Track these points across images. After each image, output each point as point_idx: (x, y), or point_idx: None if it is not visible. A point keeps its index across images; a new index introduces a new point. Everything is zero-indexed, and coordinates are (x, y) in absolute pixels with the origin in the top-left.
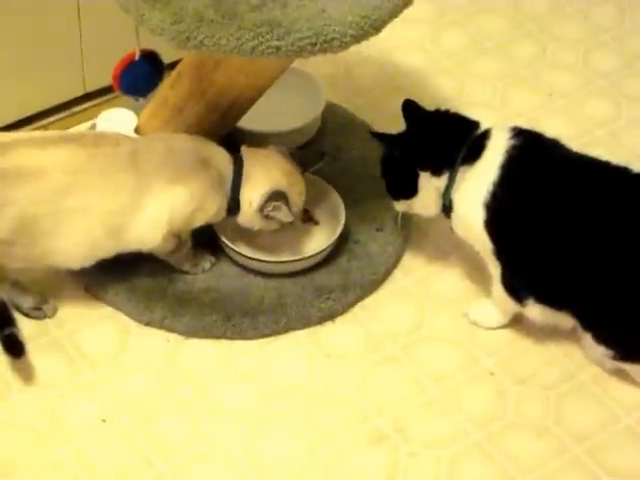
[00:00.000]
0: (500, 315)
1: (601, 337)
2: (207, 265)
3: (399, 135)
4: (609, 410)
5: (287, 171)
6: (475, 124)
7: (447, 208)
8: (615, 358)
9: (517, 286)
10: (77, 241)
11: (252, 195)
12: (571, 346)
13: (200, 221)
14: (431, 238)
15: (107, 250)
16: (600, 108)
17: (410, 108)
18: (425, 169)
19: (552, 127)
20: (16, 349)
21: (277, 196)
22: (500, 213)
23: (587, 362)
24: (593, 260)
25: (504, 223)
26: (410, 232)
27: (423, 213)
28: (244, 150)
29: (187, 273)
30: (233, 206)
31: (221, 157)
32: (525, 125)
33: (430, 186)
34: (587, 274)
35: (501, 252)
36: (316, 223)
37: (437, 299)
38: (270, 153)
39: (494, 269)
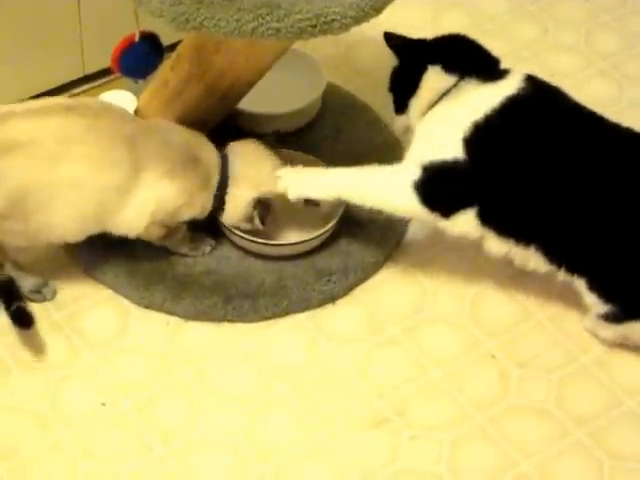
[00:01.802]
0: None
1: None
2: (207, 248)
3: (416, 40)
4: (611, 393)
5: (269, 171)
6: (496, 59)
7: None
8: (613, 318)
9: (444, 196)
10: (69, 215)
11: (238, 199)
12: (573, 329)
13: (184, 217)
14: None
15: (96, 227)
16: (601, 89)
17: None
18: (437, 63)
19: None
20: (25, 321)
21: (263, 206)
22: (485, 137)
23: (589, 345)
24: (573, 200)
25: (484, 146)
26: None
27: (413, 118)
28: (230, 148)
29: (187, 256)
30: (218, 205)
31: (210, 155)
32: None
33: (434, 83)
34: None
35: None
36: (316, 204)
37: (438, 281)
38: (255, 148)
39: (411, 170)
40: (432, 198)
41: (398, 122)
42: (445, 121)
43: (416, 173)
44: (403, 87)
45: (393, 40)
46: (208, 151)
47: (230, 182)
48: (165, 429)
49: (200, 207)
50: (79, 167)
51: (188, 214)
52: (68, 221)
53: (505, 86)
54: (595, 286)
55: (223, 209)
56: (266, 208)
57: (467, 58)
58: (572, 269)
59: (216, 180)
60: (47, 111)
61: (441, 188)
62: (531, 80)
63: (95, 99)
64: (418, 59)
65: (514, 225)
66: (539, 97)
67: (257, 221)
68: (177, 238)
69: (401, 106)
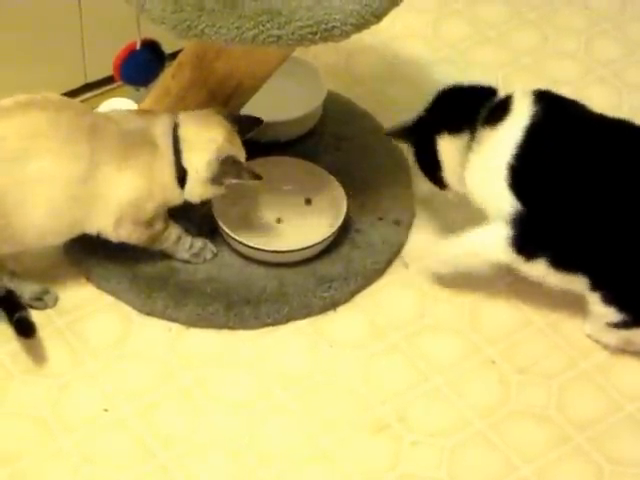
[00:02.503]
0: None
1: (613, 297)
2: (208, 255)
3: (413, 120)
4: (611, 398)
5: (227, 130)
6: (492, 90)
7: None
8: (622, 325)
9: (532, 245)
10: (45, 212)
11: (195, 164)
12: (573, 335)
13: (151, 205)
14: (433, 227)
15: (73, 225)
16: (601, 96)
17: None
18: (442, 131)
19: None
20: (28, 330)
21: (230, 162)
22: (524, 173)
23: (589, 351)
24: (614, 217)
25: (528, 183)
26: (411, 221)
27: (458, 186)
28: (180, 117)
29: (189, 262)
30: (181, 178)
31: (163, 133)
32: None
33: (451, 151)
34: (608, 232)
35: (528, 212)
36: (259, 177)
37: (438, 288)
38: (207, 113)
39: (500, 229)
40: (517, 247)
41: (450, 195)
42: (486, 178)
43: (501, 229)
44: (429, 167)
45: (395, 133)
46: (161, 130)
47: (184, 148)
48: (167, 435)
49: (162, 188)
50: (44, 161)
51: (153, 201)
52: (45, 219)
53: (517, 118)
54: (612, 298)
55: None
56: (238, 164)
57: (463, 112)
58: (597, 285)
59: (170, 152)
60: (7, 110)
61: (520, 237)
62: (538, 99)
63: (54, 93)
64: (424, 137)
65: (566, 253)
66: (555, 117)
67: (243, 176)
68: (171, 241)
69: (439, 183)
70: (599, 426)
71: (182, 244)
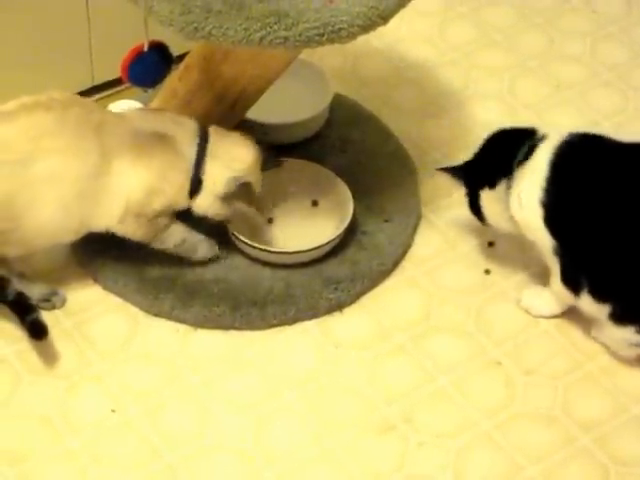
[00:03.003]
0: (555, 305)
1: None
2: (210, 253)
3: (462, 165)
4: (617, 400)
5: (255, 157)
6: (530, 132)
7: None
8: None
9: (576, 279)
10: (54, 212)
11: (215, 178)
12: (579, 336)
13: (158, 204)
14: (439, 229)
15: (83, 223)
16: (607, 100)
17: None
18: (483, 186)
19: (559, 119)
20: (40, 332)
21: (247, 189)
22: (556, 208)
23: (595, 352)
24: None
25: (560, 217)
26: (417, 223)
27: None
28: (212, 130)
29: (193, 262)
30: (195, 187)
31: (184, 134)
32: (532, 117)
33: (492, 203)
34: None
35: (562, 246)
36: (265, 218)
37: (445, 289)
38: (240, 135)
39: (552, 262)
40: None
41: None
42: (525, 217)
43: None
44: (480, 216)
45: (446, 171)
46: (181, 131)
47: (208, 160)
48: (174, 435)
49: (174, 191)
50: (52, 160)
51: (162, 200)
52: (55, 218)
53: (542, 156)
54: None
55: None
56: (253, 194)
57: (500, 163)
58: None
59: (191, 162)
60: (11, 113)
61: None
62: (566, 136)
63: (62, 91)
64: (472, 191)
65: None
66: (578, 151)
67: (241, 206)
68: (174, 242)
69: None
70: (605, 427)
71: (187, 248)
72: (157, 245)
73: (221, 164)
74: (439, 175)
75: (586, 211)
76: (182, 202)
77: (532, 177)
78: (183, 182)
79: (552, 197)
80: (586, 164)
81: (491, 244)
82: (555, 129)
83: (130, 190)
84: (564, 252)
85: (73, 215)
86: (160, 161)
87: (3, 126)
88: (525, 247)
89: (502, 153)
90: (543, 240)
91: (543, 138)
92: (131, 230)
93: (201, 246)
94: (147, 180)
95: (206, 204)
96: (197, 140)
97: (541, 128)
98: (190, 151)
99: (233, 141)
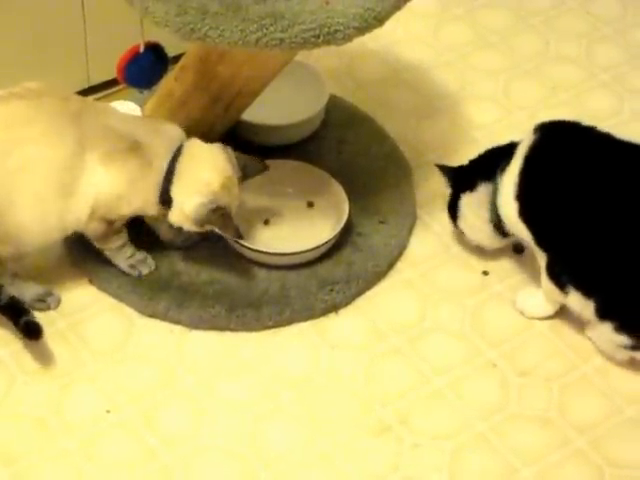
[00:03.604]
0: (548, 305)
1: (626, 326)
2: (145, 270)
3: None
4: (612, 401)
5: (227, 176)
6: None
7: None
8: (635, 348)
9: (559, 274)
10: (31, 204)
11: (183, 199)
12: (574, 338)
13: (125, 210)
14: (434, 230)
15: (60, 215)
16: (603, 101)
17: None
18: (464, 190)
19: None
20: (35, 333)
21: (219, 214)
22: (529, 202)
23: (590, 354)
24: (621, 243)
25: (535, 211)
26: (413, 225)
27: (482, 241)
28: (188, 142)
29: (127, 272)
30: (165, 200)
31: (159, 148)
32: (527, 118)
33: (474, 206)
34: (615, 258)
35: (540, 240)
36: (241, 237)
37: (440, 291)
38: (212, 149)
39: (540, 259)
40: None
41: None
42: (510, 216)
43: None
44: (454, 217)
45: (443, 170)
46: (158, 144)
47: (175, 178)
48: (169, 436)
49: (141, 201)
50: (27, 149)
51: (128, 207)
52: (33, 212)
53: (520, 152)
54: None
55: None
56: (226, 217)
57: (485, 168)
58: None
59: (161, 174)
60: None
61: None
62: (539, 129)
63: (35, 82)
64: (455, 192)
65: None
66: (553, 141)
67: (227, 229)
68: (116, 245)
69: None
70: (600, 429)
71: (124, 252)
72: (102, 245)
73: (189, 186)
74: (435, 173)
75: (560, 202)
76: (151, 212)
77: (509, 175)
78: (151, 195)
79: (525, 190)
80: (560, 156)
81: None
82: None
83: (99, 191)
84: (544, 246)
85: (50, 208)
86: (130, 169)
87: None
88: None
89: (488, 161)
90: (524, 235)
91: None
92: (92, 228)
93: (136, 258)
94: (117, 185)
95: (178, 220)
96: (170, 156)
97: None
98: (162, 165)
99: (204, 158)
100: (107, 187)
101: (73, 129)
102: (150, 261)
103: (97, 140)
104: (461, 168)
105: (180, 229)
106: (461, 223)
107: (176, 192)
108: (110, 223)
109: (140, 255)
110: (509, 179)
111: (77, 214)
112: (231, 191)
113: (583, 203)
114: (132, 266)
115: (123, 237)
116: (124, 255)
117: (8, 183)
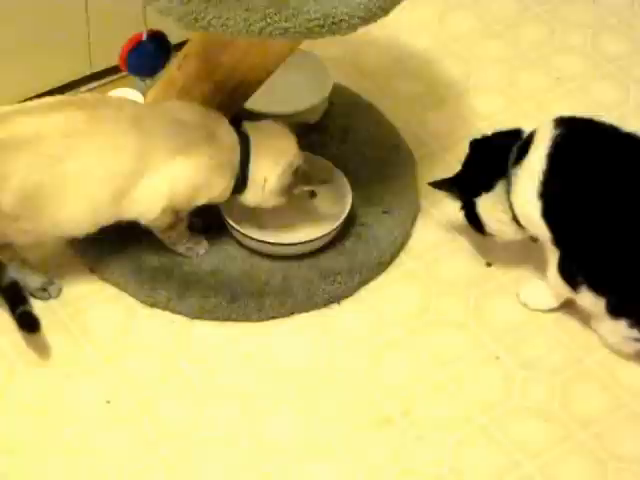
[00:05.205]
0: (552, 298)
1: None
2: (201, 251)
3: (453, 177)
4: (615, 395)
5: (294, 145)
6: (516, 132)
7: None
8: None
9: (571, 271)
10: (81, 207)
11: (265, 173)
12: (578, 331)
13: (203, 199)
14: (437, 221)
15: (109, 216)
16: (608, 92)
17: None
18: (478, 193)
19: (559, 111)
20: (31, 325)
21: (302, 172)
22: (554, 201)
23: (593, 347)
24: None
25: (560, 210)
26: (416, 215)
27: (516, 236)
28: (247, 126)
29: (181, 255)
30: (240, 184)
31: (228, 133)
32: (532, 108)
33: (492, 208)
34: (634, 256)
35: (559, 238)
36: (314, 196)
37: (443, 282)
38: (273, 127)
39: (550, 254)
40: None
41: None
42: (527, 213)
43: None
44: (479, 224)
45: (438, 186)
46: (224, 128)
47: (253, 159)
48: (169, 427)
49: (221, 187)
50: (86, 158)
51: (207, 195)
52: (81, 213)
53: (540, 148)
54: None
55: (244, 190)
56: (308, 172)
57: (492, 165)
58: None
59: (237, 159)
60: (48, 107)
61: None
62: (558, 125)
63: (91, 94)
64: (468, 200)
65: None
66: (575, 139)
67: (301, 189)
68: (177, 233)
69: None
70: (602, 422)
71: (183, 237)
72: (166, 234)
73: (269, 161)
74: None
75: (586, 202)
76: (223, 198)
77: (528, 171)
78: (229, 181)
79: (552, 190)
80: (583, 156)
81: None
82: (542, 123)
83: (174, 185)
84: (562, 244)
85: (100, 211)
86: (211, 156)
87: (36, 119)
88: (525, 240)
89: (493, 156)
90: (540, 232)
91: (534, 134)
92: (160, 220)
93: (193, 241)
94: (197, 174)
95: (258, 199)
96: (238, 140)
97: (525, 128)
98: (235, 149)
99: (273, 134)
100: (186, 178)
101: (130, 135)
102: (204, 242)
103: (164, 137)
104: (462, 173)
105: (185, 237)
106: (489, 228)
107: (255, 170)
108: (177, 213)
109: (197, 237)
110: (528, 176)
111: (142, 213)
112: (300, 152)
113: (608, 203)
114: (189, 248)
115: (185, 224)
116: (183, 240)
117: (61, 185)
